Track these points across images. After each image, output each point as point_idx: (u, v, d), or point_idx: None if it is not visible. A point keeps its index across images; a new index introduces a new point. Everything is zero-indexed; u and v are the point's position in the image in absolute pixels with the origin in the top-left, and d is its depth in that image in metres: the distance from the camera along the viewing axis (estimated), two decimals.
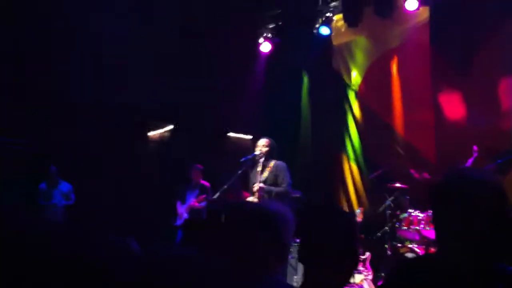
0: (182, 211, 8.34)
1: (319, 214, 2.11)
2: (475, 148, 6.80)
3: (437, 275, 1.72)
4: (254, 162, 6.59)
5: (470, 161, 6.82)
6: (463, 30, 7.78)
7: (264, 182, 6.29)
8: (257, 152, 6.43)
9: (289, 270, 6.70)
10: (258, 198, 6.23)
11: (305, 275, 2.02)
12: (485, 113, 7.67)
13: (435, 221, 1.85)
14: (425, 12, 8.58)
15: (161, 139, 9.81)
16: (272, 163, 6.32)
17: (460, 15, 7.80)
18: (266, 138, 6.54)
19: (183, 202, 8.41)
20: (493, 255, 1.74)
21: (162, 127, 9.84)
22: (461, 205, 1.72)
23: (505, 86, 7.71)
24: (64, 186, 8.76)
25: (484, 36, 7.75)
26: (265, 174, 6.32)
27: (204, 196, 8.32)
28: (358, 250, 2.13)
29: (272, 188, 6.15)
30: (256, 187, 6.17)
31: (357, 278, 7.16)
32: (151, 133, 9.82)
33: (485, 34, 7.73)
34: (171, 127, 9.94)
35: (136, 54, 8.43)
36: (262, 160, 6.39)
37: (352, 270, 2.14)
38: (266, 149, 6.39)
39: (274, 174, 6.28)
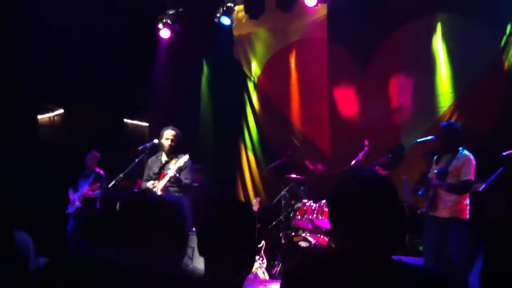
0: (75, 198, 8.01)
1: (222, 207, 2.11)
2: (366, 142, 7.13)
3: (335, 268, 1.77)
4: (152, 149, 6.47)
5: (361, 155, 7.13)
6: (360, 29, 8.11)
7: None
8: (164, 142, 6.28)
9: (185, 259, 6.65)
10: (163, 187, 6.09)
11: (206, 266, 2.00)
12: (377, 109, 8.09)
13: (332, 218, 1.93)
14: (323, 9, 8.87)
15: (51, 123, 9.29)
16: (182, 157, 6.19)
17: (357, 15, 8.12)
18: (173, 129, 6.34)
19: (75, 189, 8.08)
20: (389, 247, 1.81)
21: (52, 111, 9.32)
22: (352, 204, 1.81)
23: (396, 84, 8.19)
24: None
25: (379, 35, 8.17)
26: (171, 166, 6.19)
27: (98, 184, 8.03)
28: (257, 242, 2.17)
29: (182, 178, 6.10)
30: (170, 173, 6.05)
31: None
32: (40, 116, 9.27)
33: (381, 33, 8.16)
34: (61, 110, 9.45)
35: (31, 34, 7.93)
36: (170, 151, 6.26)
37: (253, 261, 2.15)
38: (175, 141, 6.27)
39: (181, 168, 6.18)
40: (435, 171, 5.50)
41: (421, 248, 6.75)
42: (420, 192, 5.85)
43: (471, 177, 5.36)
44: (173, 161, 6.20)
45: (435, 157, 5.80)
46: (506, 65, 7.22)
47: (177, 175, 6.08)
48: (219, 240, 1.99)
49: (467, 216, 5.36)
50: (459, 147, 5.52)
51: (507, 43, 7.19)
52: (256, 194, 8.87)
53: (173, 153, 6.24)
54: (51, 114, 9.34)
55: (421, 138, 6.17)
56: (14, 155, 8.02)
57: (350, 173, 2.02)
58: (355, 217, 1.78)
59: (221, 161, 9.57)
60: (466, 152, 5.49)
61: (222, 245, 1.98)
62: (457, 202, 5.36)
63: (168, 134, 6.28)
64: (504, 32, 7.20)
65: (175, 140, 6.25)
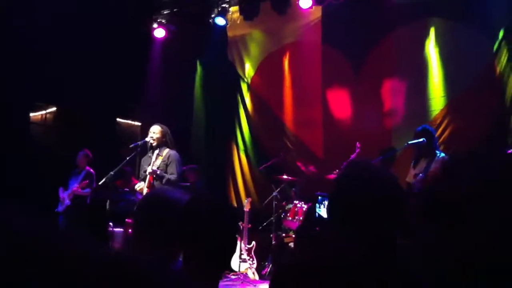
0: (64, 196, 7.98)
1: (202, 206, 2.10)
2: (358, 144, 7.15)
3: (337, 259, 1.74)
4: (144, 148, 6.42)
5: (353, 157, 7.14)
6: (354, 32, 8.15)
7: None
8: (148, 139, 6.27)
9: None
10: (148, 184, 6.07)
11: (184, 261, 2.00)
12: (370, 112, 8.11)
13: (331, 208, 1.88)
14: (318, 12, 8.87)
15: (43, 121, 9.25)
16: (165, 151, 6.17)
17: (352, 17, 8.15)
18: (159, 125, 6.35)
19: (66, 188, 8.05)
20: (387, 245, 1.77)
21: (45, 109, 9.28)
22: (359, 198, 1.76)
23: (389, 87, 8.21)
24: None
25: (373, 39, 8.20)
26: (157, 162, 6.17)
27: (87, 181, 7.99)
28: (236, 240, 2.16)
29: (164, 174, 6.04)
30: (149, 169, 6.03)
31: (242, 267, 7.29)
32: (32, 114, 9.23)
33: (375, 37, 8.19)
34: (54, 109, 9.42)
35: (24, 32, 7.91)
36: (154, 147, 6.24)
37: (230, 258, 2.20)
38: (158, 136, 6.24)
39: (166, 163, 6.16)
40: (420, 175, 5.54)
41: None
42: None
43: None
44: (160, 157, 6.18)
45: (413, 162, 5.88)
46: (498, 70, 7.26)
47: (157, 170, 6.03)
48: (198, 237, 1.98)
49: None
50: (436, 151, 5.67)
51: (499, 48, 7.23)
52: (248, 195, 8.84)
53: (159, 148, 6.22)
54: (43, 112, 9.31)
55: (412, 141, 6.18)
56: (5, 153, 7.99)
57: (363, 166, 1.93)
58: (358, 215, 1.72)
59: (213, 162, 9.57)
60: (443, 155, 5.61)
61: (200, 243, 1.97)
62: None
63: (152, 130, 6.28)
64: (497, 37, 7.23)
65: (159, 133, 6.22)
